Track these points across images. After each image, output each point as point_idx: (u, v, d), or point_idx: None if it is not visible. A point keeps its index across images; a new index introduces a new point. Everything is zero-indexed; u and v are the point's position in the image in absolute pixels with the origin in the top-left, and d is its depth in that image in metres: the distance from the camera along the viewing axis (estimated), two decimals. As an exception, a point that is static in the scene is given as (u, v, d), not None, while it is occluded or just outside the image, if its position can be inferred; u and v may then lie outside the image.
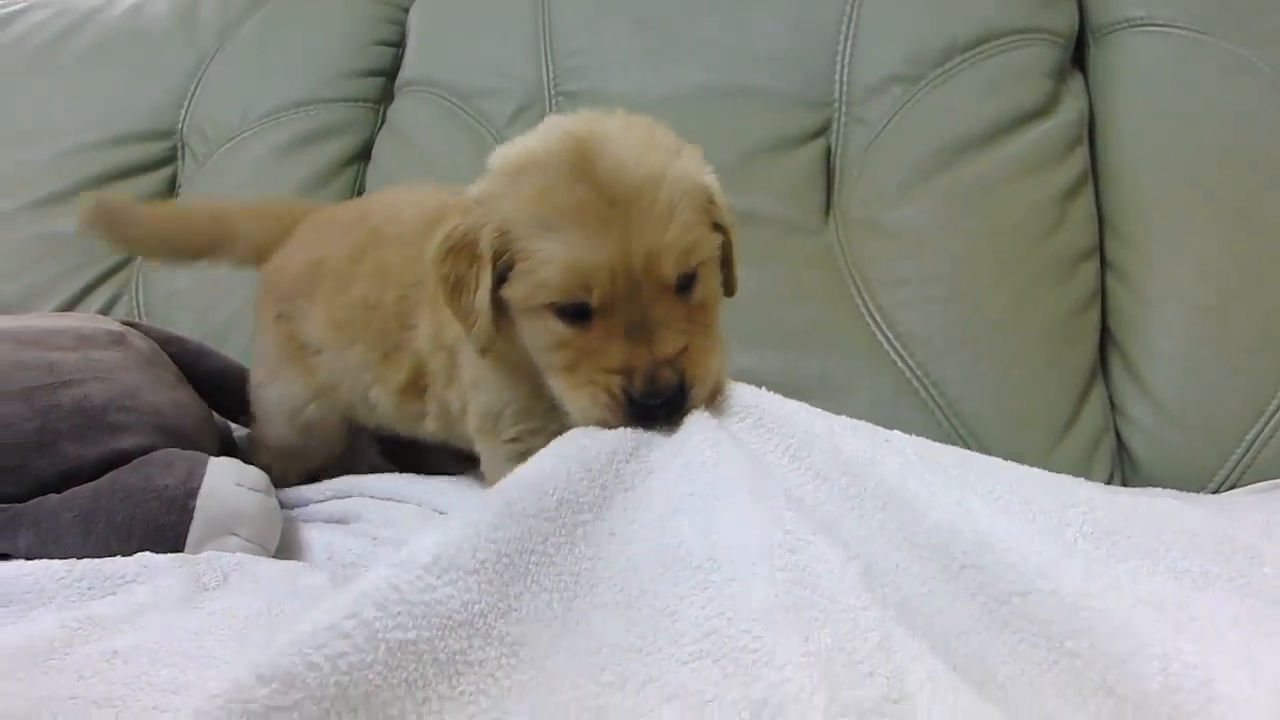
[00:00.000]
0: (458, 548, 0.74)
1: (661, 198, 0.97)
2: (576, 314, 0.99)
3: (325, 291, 1.37)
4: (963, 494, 0.83)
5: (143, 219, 1.58)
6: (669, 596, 0.71)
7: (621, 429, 0.95)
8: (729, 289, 1.11)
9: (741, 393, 1.01)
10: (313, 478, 1.46)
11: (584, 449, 0.89)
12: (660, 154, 1.01)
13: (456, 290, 1.05)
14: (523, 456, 1.10)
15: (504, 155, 1.05)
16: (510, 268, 1.01)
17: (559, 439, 0.95)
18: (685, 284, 1.00)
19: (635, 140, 1.01)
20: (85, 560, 1.01)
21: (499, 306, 1.04)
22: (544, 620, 0.74)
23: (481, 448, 1.20)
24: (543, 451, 0.92)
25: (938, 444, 0.97)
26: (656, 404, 0.96)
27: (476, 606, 0.71)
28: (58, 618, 0.88)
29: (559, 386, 1.02)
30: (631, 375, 0.96)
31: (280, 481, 1.38)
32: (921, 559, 0.80)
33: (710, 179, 1.04)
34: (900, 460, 0.89)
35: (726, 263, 1.08)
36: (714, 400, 1.00)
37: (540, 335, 1.02)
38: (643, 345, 0.97)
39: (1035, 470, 0.95)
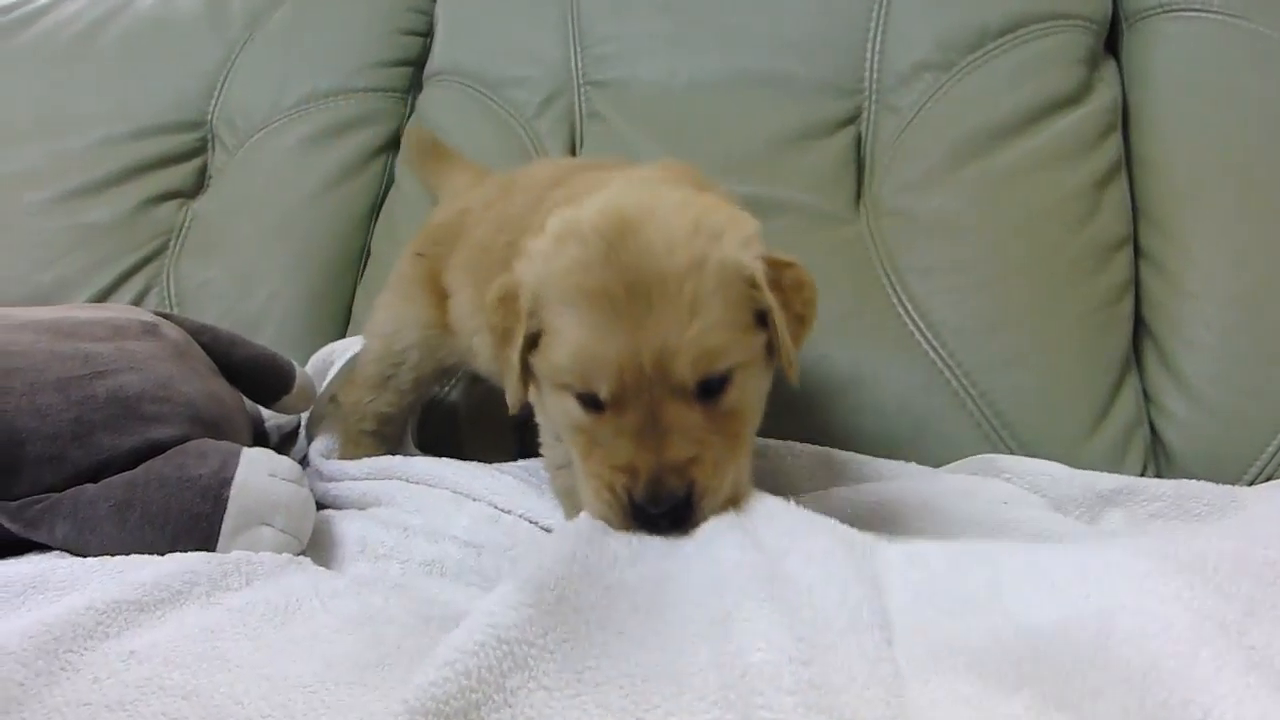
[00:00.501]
0: (459, 629, 0.74)
1: (686, 292, 0.92)
2: (592, 403, 0.96)
3: (463, 238, 1.42)
4: (1002, 601, 0.78)
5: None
6: None
7: (626, 535, 0.91)
8: (788, 375, 1.02)
9: (768, 506, 0.95)
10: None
11: (586, 554, 0.86)
12: (699, 240, 0.95)
13: (503, 340, 1.04)
14: None
15: (561, 217, 1.01)
16: (539, 335, 0.99)
17: (563, 530, 0.93)
18: (713, 388, 0.95)
19: (677, 222, 0.96)
20: (119, 557, 1.02)
21: (529, 369, 1.03)
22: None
23: (540, 420, 1.20)
24: (545, 546, 0.89)
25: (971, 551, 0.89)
26: (658, 513, 0.92)
27: (473, 695, 0.69)
28: (86, 601, 0.88)
29: (576, 469, 1.00)
30: (636, 477, 0.93)
31: (353, 419, 1.52)
32: (964, 662, 0.74)
33: (753, 260, 0.97)
34: (929, 585, 0.82)
35: (779, 352, 1.00)
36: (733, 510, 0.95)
37: (560, 414, 1.01)
38: (651, 448, 0.93)
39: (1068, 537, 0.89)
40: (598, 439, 0.97)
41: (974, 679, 0.72)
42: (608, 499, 0.94)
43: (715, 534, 0.89)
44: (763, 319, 0.99)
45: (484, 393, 1.62)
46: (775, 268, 1.00)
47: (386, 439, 1.54)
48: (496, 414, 1.61)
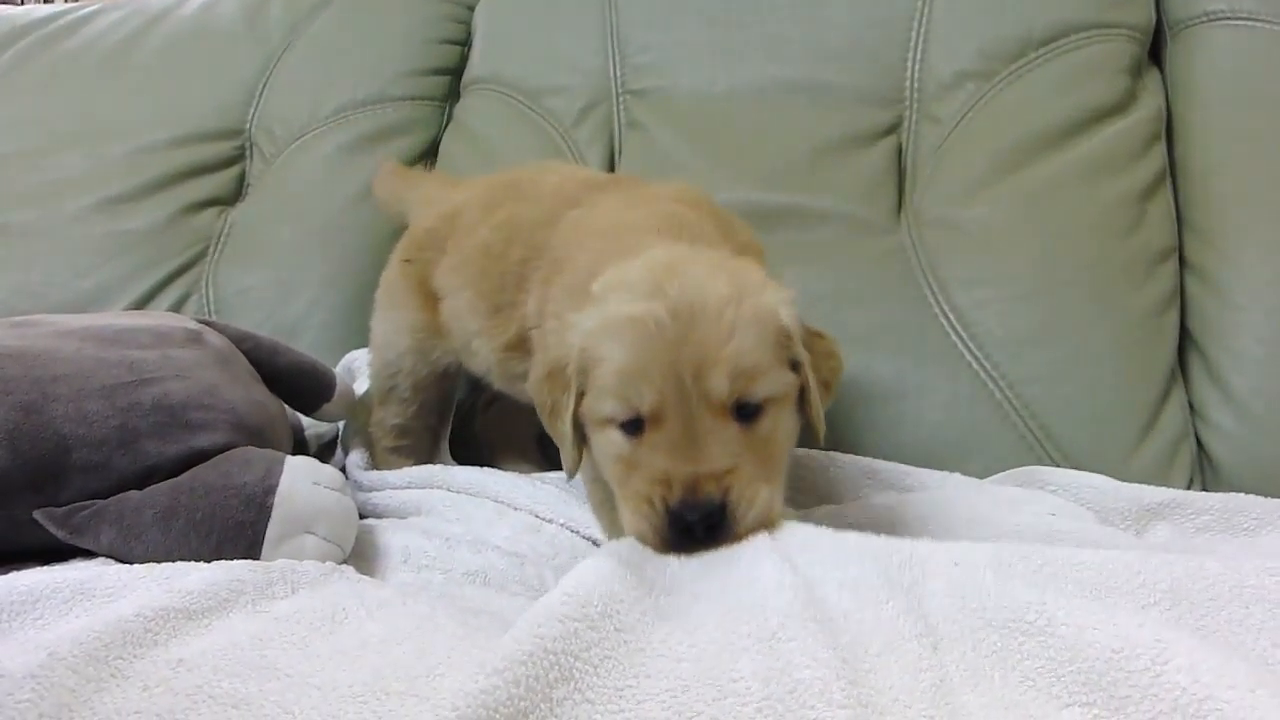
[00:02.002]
0: (507, 638, 0.75)
1: (726, 317, 0.97)
2: (635, 428, 0.99)
3: (455, 239, 1.43)
4: (1053, 624, 0.78)
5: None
6: None
7: (660, 561, 0.93)
8: (813, 434, 1.07)
9: (801, 534, 0.96)
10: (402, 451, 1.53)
11: (625, 574, 0.87)
12: (739, 284, 1.01)
13: (552, 414, 1.07)
14: None
15: (603, 279, 1.06)
16: (585, 391, 1.03)
17: (605, 550, 0.95)
18: (748, 413, 0.99)
19: (719, 270, 1.02)
20: (165, 564, 1.02)
21: (579, 427, 1.06)
22: None
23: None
24: (587, 564, 0.90)
25: (1012, 546, 0.89)
26: (694, 519, 0.94)
27: (521, 704, 0.70)
28: (135, 608, 0.88)
29: (618, 502, 1.02)
30: (672, 485, 0.95)
31: (376, 437, 1.53)
32: (1017, 677, 0.75)
33: (788, 317, 1.02)
34: (976, 595, 0.82)
35: (807, 403, 1.05)
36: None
37: (604, 449, 1.03)
38: (689, 458, 0.96)
39: (1116, 548, 0.89)
40: (637, 461, 0.99)
41: (1025, 689, 0.73)
42: (645, 512, 0.96)
43: (754, 559, 0.90)
44: (793, 369, 1.03)
45: (502, 408, 1.62)
46: (809, 332, 1.06)
47: (410, 454, 1.53)
48: (517, 427, 1.62)
